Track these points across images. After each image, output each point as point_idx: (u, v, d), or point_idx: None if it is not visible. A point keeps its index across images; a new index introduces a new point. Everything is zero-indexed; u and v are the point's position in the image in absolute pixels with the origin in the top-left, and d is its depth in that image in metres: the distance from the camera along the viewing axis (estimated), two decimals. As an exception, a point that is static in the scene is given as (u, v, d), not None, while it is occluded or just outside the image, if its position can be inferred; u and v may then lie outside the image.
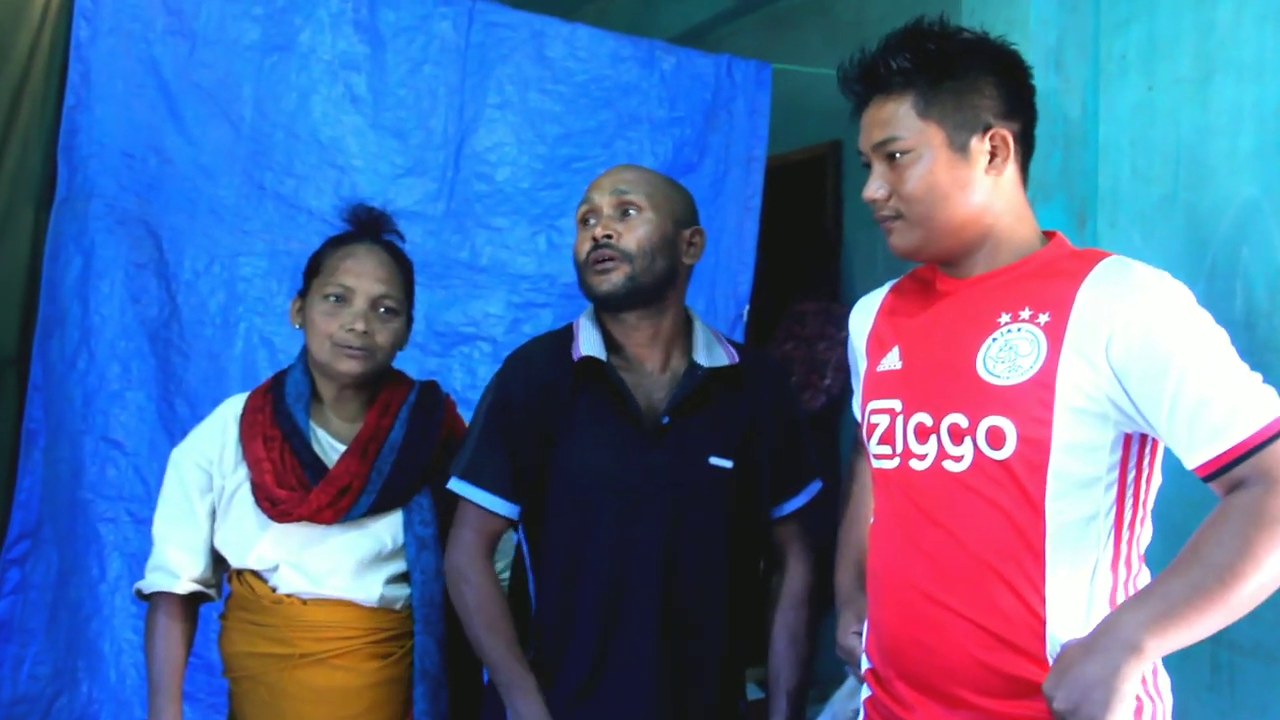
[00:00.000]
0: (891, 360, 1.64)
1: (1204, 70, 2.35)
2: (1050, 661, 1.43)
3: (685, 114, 3.21)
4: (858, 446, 1.92)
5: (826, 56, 3.71)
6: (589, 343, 1.85)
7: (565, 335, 1.91)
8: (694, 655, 1.83)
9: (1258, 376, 1.41)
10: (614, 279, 1.82)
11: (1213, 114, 2.34)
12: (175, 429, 2.70)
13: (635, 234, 1.83)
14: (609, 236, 1.82)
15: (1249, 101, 2.27)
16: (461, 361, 3.06)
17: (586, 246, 1.85)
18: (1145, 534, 1.53)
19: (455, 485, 1.85)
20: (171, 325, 2.77)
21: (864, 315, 1.76)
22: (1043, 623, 1.44)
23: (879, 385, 1.66)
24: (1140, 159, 2.50)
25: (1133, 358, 1.39)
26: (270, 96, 2.86)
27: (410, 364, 2.93)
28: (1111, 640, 1.33)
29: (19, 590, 2.60)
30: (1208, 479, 1.40)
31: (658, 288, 1.86)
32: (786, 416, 1.95)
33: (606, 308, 1.86)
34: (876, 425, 1.62)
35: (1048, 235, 1.60)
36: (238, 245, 2.83)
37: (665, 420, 1.83)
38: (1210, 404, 1.37)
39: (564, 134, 3.11)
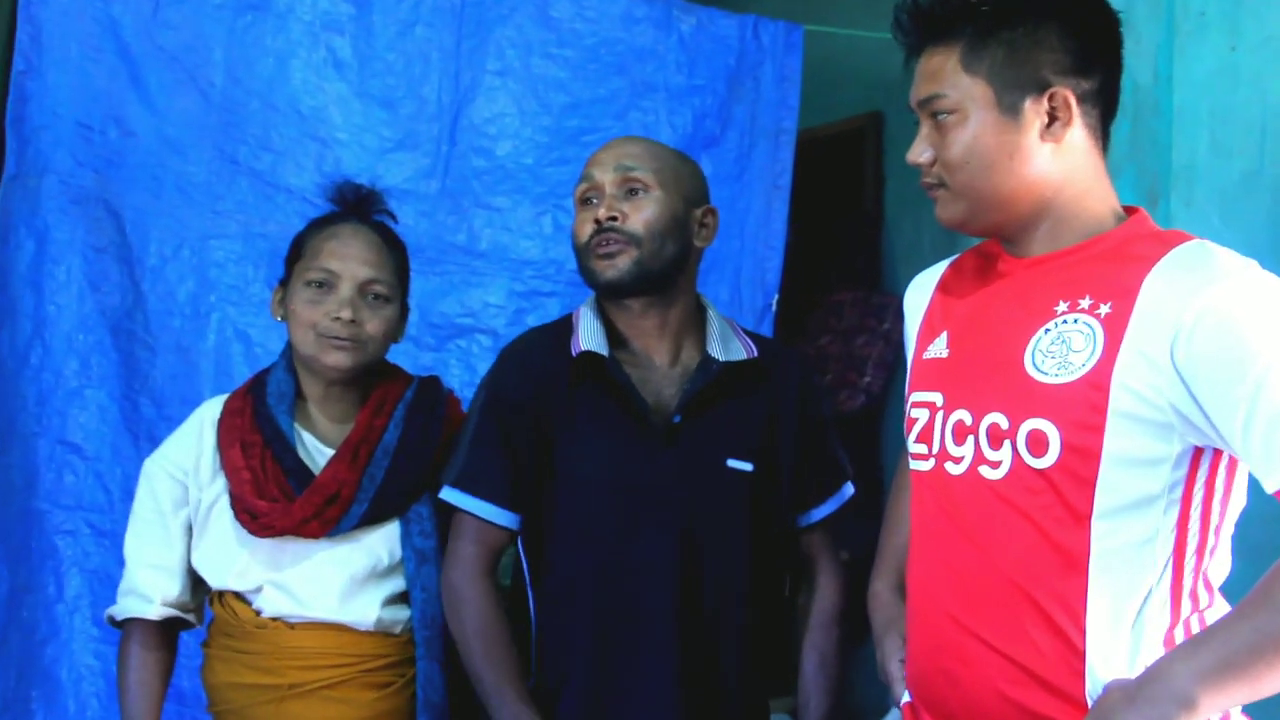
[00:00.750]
0: (939, 347, 1.61)
1: (1296, 28, 2.32)
2: (1089, 704, 1.38)
3: (706, 81, 3.19)
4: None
5: (863, 18, 3.72)
6: (589, 336, 1.85)
7: (564, 327, 1.92)
8: (712, 684, 1.81)
9: None
10: (619, 264, 1.82)
11: (1306, 78, 2.31)
12: (140, 431, 2.69)
13: (642, 215, 1.83)
14: (613, 218, 1.82)
15: (1347, 63, 2.24)
16: (459, 356, 3.05)
17: (589, 229, 1.85)
18: (1219, 564, 1.46)
19: (448, 495, 1.85)
20: (135, 316, 2.75)
21: (919, 293, 1.72)
22: (1082, 658, 1.39)
23: (923, 374, 1.62)
24: (1220, 130, 2.48)
25: (1203, 358, 1.32)
26: (243, 61, 2.83)
27: (403, 359, 2.90)
28: (1160, 689, 1.28)
29: (-34, 611, 2.57)
30: None
31: (667, 274, 1.86)
32: (811, 414, 1.94)
33: (611, 296, 1.86)
34: (916, 420, 1.59)
35: (1128, 211, 1.54)
36: (208, 227, 2.81)
37: (677, 419, 1.82)
38: None
39: (571, 104, 3.09)
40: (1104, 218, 1.51)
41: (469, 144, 3.04)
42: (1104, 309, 1.41)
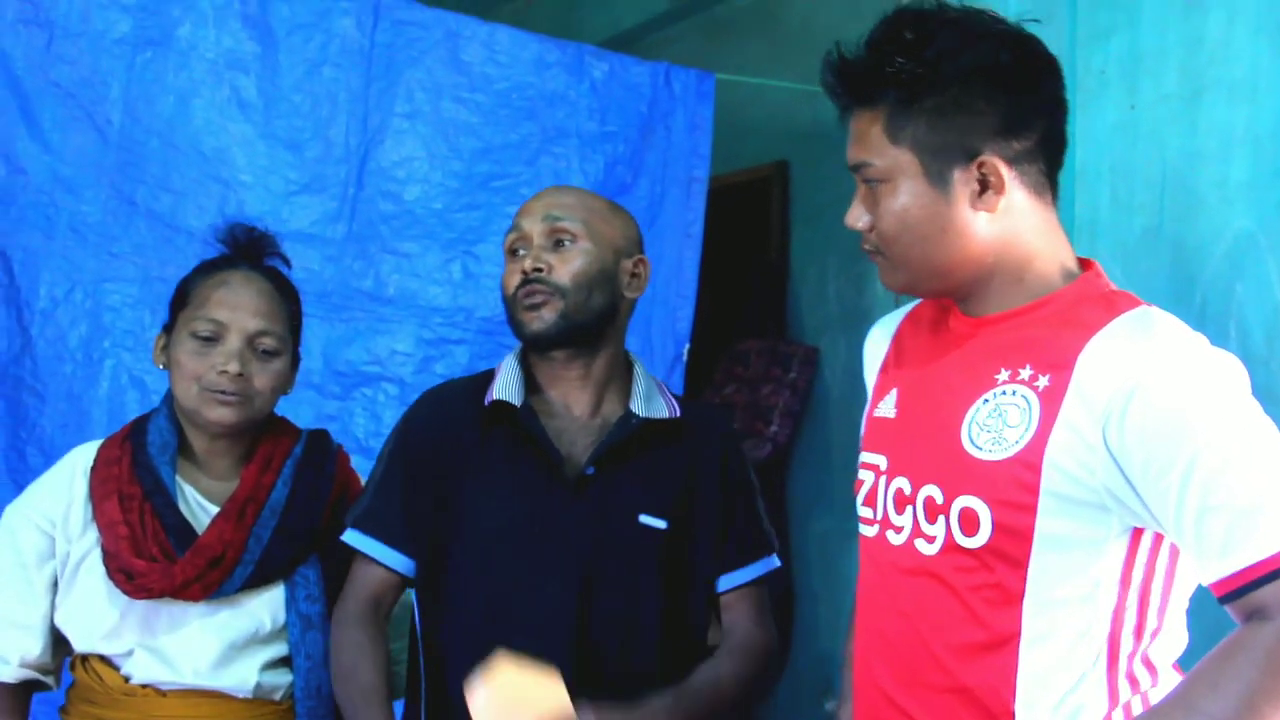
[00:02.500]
0: (887, 406, 1.54)
1: (1192, 88, 2.36)
2: None
3: (618, 128, 3.19)
4: None
5: (772, 68, 3.74)
6: (504, 385, 1.83)
7: (486, 378, 1.89)
8: None
9: None
10: (545, 316, 1.80)
11: (1201, 136, 2.34)
12: (26, 483, 2.53)
13: (569, 266, 1.81)
14: (539, 269, 1.80)
15: (1241, 123, 2.27)
16: (364, 405, 3.01)
17: (515, 280, 1.83)
18: (1166, 643, 1.39)
19: (348, 536, 1.83)
20: (23, 361, 2.69)
21: (878, 343, 1.64)
22: None
23: (872, 433, 1.56)
24: (1121, 186, 2.51)
25: (1136, 440, 1.26)
26: (143, 98, 2.79)
27: (306, 408, 2.89)
28: None
29: None
30: (1223, 601, 1.26)
31: (594, 325, 1.83)
32: (734, 477, 1.91)
33: (537, 347, 1.84)
34: (863, 482, 1.53)
35: (1083, 265, 1.45)
36: (103, 270, 2.76)
37: (589, 471, 1.79)
38: (1224, 507, 1.22)
39: (482, 148, 3.08)
40: (1053, 277, 1.42)
41: (377, 188, 3.01)
42: (1042, 381, 1.33)
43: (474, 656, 1.67)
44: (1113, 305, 1.36)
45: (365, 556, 1.82)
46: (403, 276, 3.01)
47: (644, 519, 1.80)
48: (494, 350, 3.01)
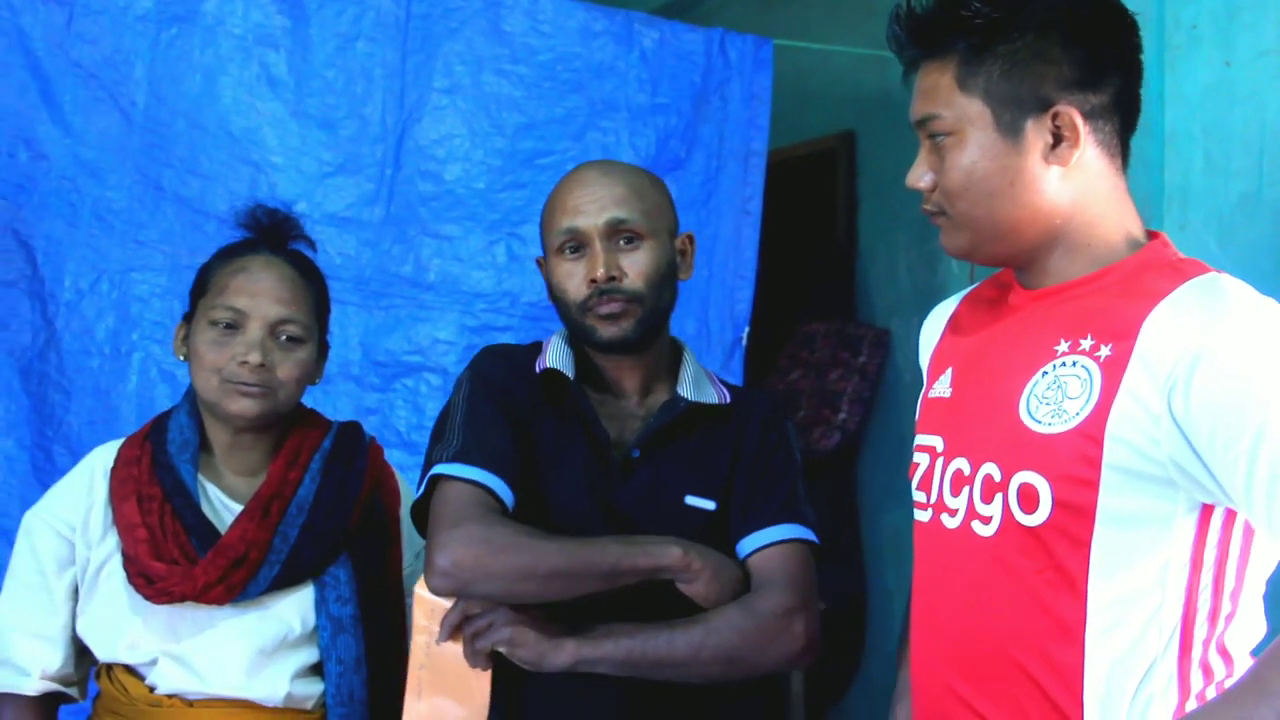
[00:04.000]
0: (943, 386, 1.57)
1: (1294, 41, 2.32)
2: None
3: (670, 100, 3.18)
4: None
5: (835, 31, 3.71)
6: (555, 357, 1.84)
7: (532, 349, 1.90)
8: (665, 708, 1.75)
9: None
10: (624, 326, 1.79)
11: (1305, 93, 2.30)
12: (52, 482, 2.58)
13: (642, 269, 1.80)
14: (612, 278, 1.79)
15: (1349, 77, 2.22)
16: (406, 397, 3.02)
17: (582, 288, 1.80)
18: (1242, 630, 1.40)
19: (441, 469, 1.74)
20: (48, 356, 2.72)
21: (934, 326, 1.69)
22: None
23: (927, 415, 1.59)
24: (1216, 149, 2.50)
25: (1202, 408, 1.27)
26: (168, 78, 2.81)
27: (345, 400, 2.93)
28: None
29: None
30: None
31: (664, 321, 1.86)
32: (771, 453, 1.88)
33: (612, 353, 1.83)
34: (918, 465, 1.56)
35: (1150, 235, 1.48)
36: (130, 258, 2.79)
37: (635, 454, 1.81)
38: None
39: (526, 124, 3.08)
40: (1118, 245, 1.45)
41: (415, 168, 3.03)
42: (1104, 351, 1.35)
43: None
44: (1180, 272, 1.38)
45: (466, 485, 1.71)
46: (444, 261, 3.02)
47: (690, 499, 1.80)
48: (541, 336, 2.98)
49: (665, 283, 1.83)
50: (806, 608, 1.74)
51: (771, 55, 3.23)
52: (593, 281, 1.78)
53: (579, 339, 1.85)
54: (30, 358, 2.69)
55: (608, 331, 1.79)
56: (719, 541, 1.79)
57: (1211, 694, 1.36)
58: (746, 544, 1.80)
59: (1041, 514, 1.35)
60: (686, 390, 1.84)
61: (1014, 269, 1.52)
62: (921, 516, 1.54)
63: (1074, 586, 1.35)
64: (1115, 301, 1.38)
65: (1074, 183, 1.42)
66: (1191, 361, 1.27)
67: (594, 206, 1.81)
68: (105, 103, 2.75)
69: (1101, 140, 1.42)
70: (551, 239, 1.84)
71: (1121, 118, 1.44)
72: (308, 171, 2.91)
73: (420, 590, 1.70)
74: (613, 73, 3.12)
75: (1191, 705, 1.35)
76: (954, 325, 1.63)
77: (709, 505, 1.80)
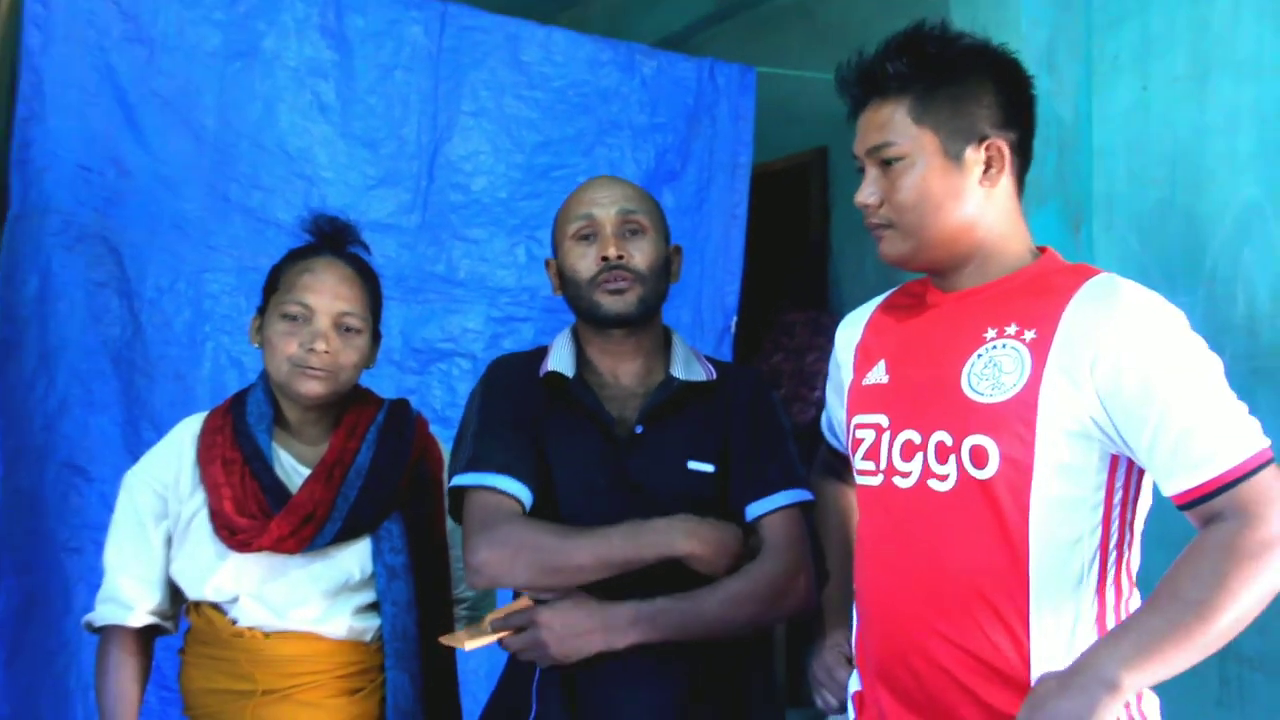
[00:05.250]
0: (878, 374, 1.63)
1: (1200, 69, 2.35)
2: (1032, 666, 1.44)
3: (667, 120, 3.20)
4: (822, 468, 1.92)
5: (810, 61, 3.74)
6: (558, 359, 1.85)
7: (538, 354, 1.91)
8: (700, 672, 1.76)
9: (1243, 407, 1.41)
10: (628, 299, 1.82)
11: (1210, 114, 2.33)
12: (140, 453, 2.55)
13: (645, 255, 1.84)
14: (621, 256, 1.82)
15: (1247, 100, 2.26)
16: (440, 379, 3.04)
17: (593, 265, 1.83)
18: (1135, 557, 1.52)
19: (460, 479, 1.76)
20: (135, 345, 2.72)
21: (851, 329, 1.75)
22: (1027, 649, 1.44)
23: (864, 399, 1.65)
24: (1136, 161, 2.50)
25: (1118, 383, 1.40)
26: (233, 105, 2.81)
27: (387, 382, 2.92)
28: (1088, 677, 1.32)
29: (-23, 624, 2.52)
30: (1183, 508, 1.41)
31: (658, 307, 1.88)
32: (761, 419, 1.88)
33: (609, 326, 1.85)
34: (862, 440, 1.62)
35: (1040, 250, 1.60)
36: (203, 261, 2.78)
37: (639, 429, 1.81)
38: (1192, 434, 1.37)
39: (542, 141, 3.10)
40: (1022, 254, 1.57)
41: (447, 180, 3.03)
42: (1029, 335, 1.46)
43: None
44: (1079, 273, 1.51)
45: (486, 492, 1.73)
46: (472, 261, 3.04)
47: (691, 464, 1.81)
48: (557, 326, 2.96)
49: (660, 274, 1.85)
50: (807, 566, 1.78)
51: (755, 81, 3.26)
52: (604, 259, 1.81)
53: (586, 317, 1.85)
54: (119, 348, 2.69)
55: (614, 305, 1.81)
56: (719, 499, 1.81)
57: (1123, 608, 1.47)
58: (753, 509, 1.81)
59: (991, 469, 1.44)
60: (679, 370, 1.85)
61: (934, 275, 1.61)
62: (871, 481, 1.59)
63: (1018, 527, 1.44)
64: (1031, 298, 1.50)
65: (993, 204, 1.54)
66: (1112, 343, 1.40)
67: (608, 199, 1.85)
68: (180, 127, 2.75)
69: (1013, 171, 1.55)
70: (568, 227, 1.86)
71: (1023, 159, 1.57)
72: (354, 184, 2.92)
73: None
74: (617, 97, 3.14)
75: (1110, 616, 1.46)
76: (874, 327, 1.69)
77: (709, 468, 1.81)
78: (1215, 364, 1.43)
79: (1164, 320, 1.43)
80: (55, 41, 2.64)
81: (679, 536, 1.70)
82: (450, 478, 1.80)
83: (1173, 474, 1.39)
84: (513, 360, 1.93)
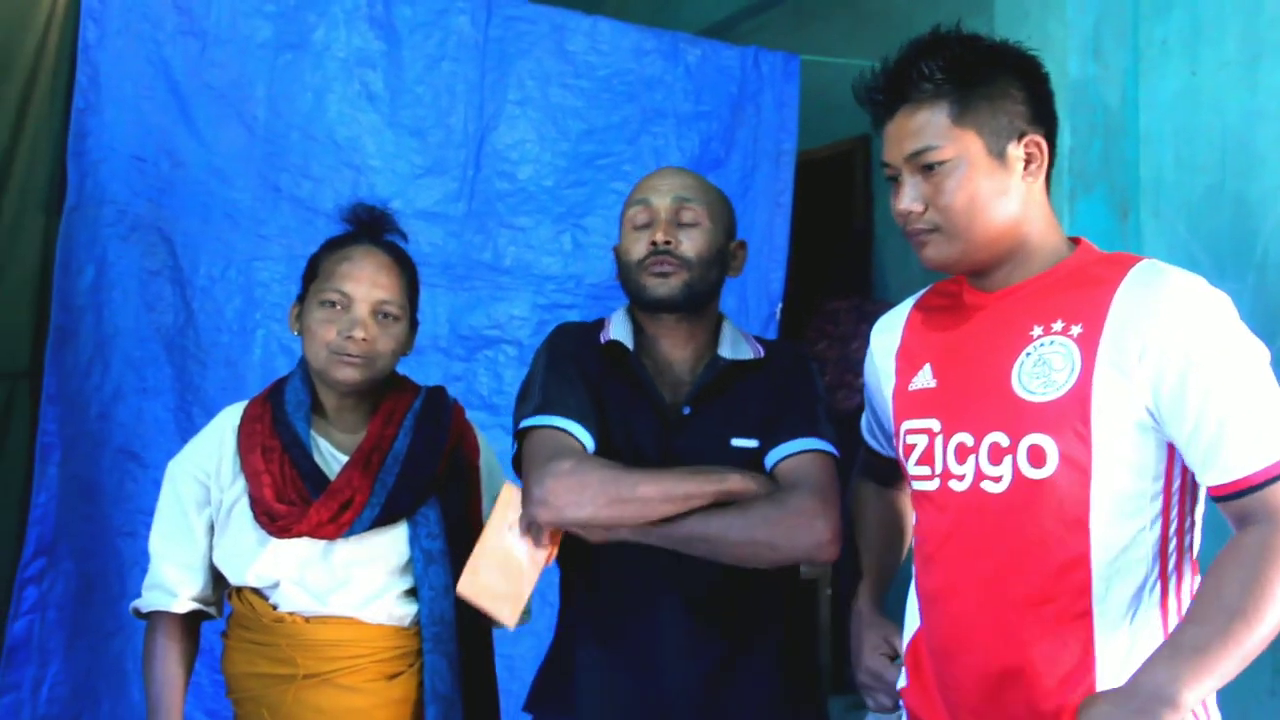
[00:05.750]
0: (924, 378, 1.60)
1: (1251, 53, 2.29)
2: (1097, 669, 1.42)
3: (711, 108, 3.18)
4: (862, 470, 1.88)
5: (854, 49, 3.69)
6: (619, 330, 1.85)
7: (597, 325, 1.91)
8: (738, 647, 1.77)
9: None
10: (672, 284, 1.81)
11: (1261, 98, 2.28)
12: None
13: (695, 244, 1.83)
14: (669, 242, 1.81)
15: (1300, 84, 2.19)
16: (486, 365, 3.04)
17: (643, 249, 1.83)
18: (1196, 540, 1.49)
19: (529, 421, 1.75)
20: (187, 333, 2.75)
21: (889, 333, 1.71)
22: (1093, 646, 1.42)
23: (913, 404, 1.61)
24: (1184, 147, 2.45)
25: (1162, 370, 1.38)
26: (284, 96, 2.83)
27: (434, 369, 2.93)
28: (1148, 699, 1.31)
29: (36, 609, 2.54)
30: (1218, 500, 1.39)
31: (707, 296, 1.86)
32: (794, 383, 1.86)
33: (655, 310, 1.84)
34: (915, 446, 1.58)
35: (1074, 241, 1.57)
36: (254, 250, 2.81)
37: (687, 411, 1.81)
38: (1228, 429, 1.35)
39: (587, 130, 3.09)
40: (1059, 247, 1.54)
41: (493, 169, 3.03)
42: (1075, 329, 1.44)
43: (608, 559, 1.75)
44: (1121, 263, 1.48)
45: (552, 430, 1.72)
46: (518, 248, 3.04)
47: (735, 441, 1.80)
48: (602, 313, 2.94)
49: (713, 264, 1.83)
50: (828, 507, 1.69)
51: (799, 69, 3.23)
52: (653, 244, 1.81)
53: (633, 299, 1.85)
54: (172, 334, 2.72)
55: (658, 289, 1.80)
56: (762, 472, 1.78)
57: (1185, 595, 1.45)
58: (773, 455, 1.77)
59: (1049, 468, 1.41)
60: (725, 350, 1.85)
61: (974, 276, 1.56)
62: (927, 486, 1.56)
63: (1079, 523, 1.41)
64: (1074, 291, 1.47)
65: (1032, 199, 1.52)
66: (1159, 332, 1.37)
67: (666, 187, 1.85)
68: (232, 118, 2.77)
69: (1046, 167, 1.52)
70: (627, 213, 1.87)
71: (1052, 151, 1.54)
72: (402, 173, 2.92)
73: (510, 486, 1.73)
74: (661, 85, 3.12)
75: (1173, 602, 1.44)
76: (912, 331, 1.66)
77: (753, 444, 1.80)
78: (1260, 354, 1.40)
79: (1209, 306, 1.40)
80: (111, 35, 2.66)
81: (735, 475, 1.69)
82: (516, 424, 1.79)
83: (1208, 467, 1.37)
84: (575, 327, 1.94)
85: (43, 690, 2.54)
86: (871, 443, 1.83)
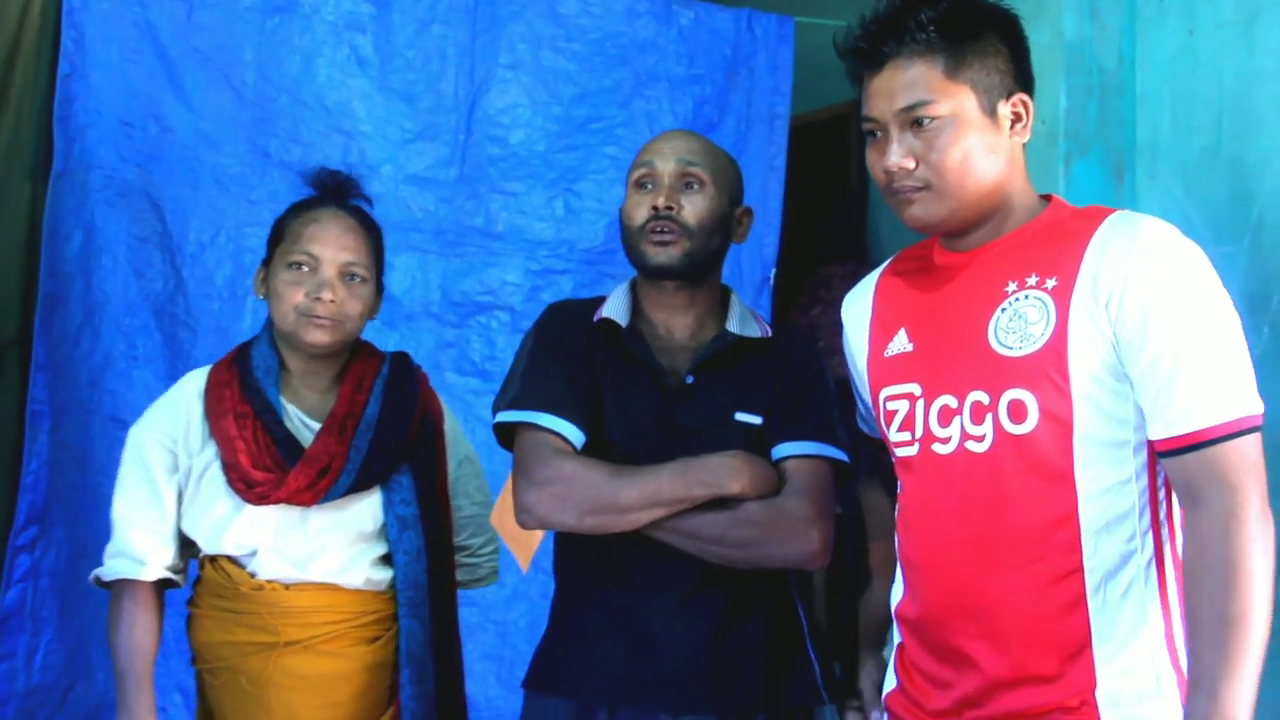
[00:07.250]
0: (900, 342, 1.56)
1: (1248, 12, 2.26)
2: (1090, 612, 1.39)
3: (705, 71, 3.14)
4: (869, 469, 1.85)
5: (849, 11, 3.63)
6: (612, 307, 1.82)
7: (595, 302, 1.88)
8: (734, 618, 1.74)
9: (1243, 363, 1.36)
10: (671, 252, 1.77)
11: (1259, 58, 2.25)
12: None
13: (697, 209, 1.79)
14: (670, 208, 1.77)
15: (1298, 43, 2.15)
16: (479, 332, 3.01)
17: (644, 214, 1.79)
18: None
19: (503, 416, 1.75)
20: (177, 299, 2.72)
21: (859, 303, 1.67)
22: (1085, 601, 1.40)
23: (890, 369, 1.57)
24: (1181, 108, 2.42)
25: (1127, 307, 1.36)
26: (273, 60, 2.80)
27: (426, 335, 2.93)
28: None
29: (28, 577, 2.54)
30: (1162, 455, 1.38)
31: (709, 264, 1.82)
32: (809, 377, 1.84)
33: (655, 277, 1.81)
34: (896, 412, 1.54)
35: (1045, 198, 1.55)
36: (243, 216, 2.77)
37: (689, 379, 1.79)
38: (1179, 381, 1.34)
39: (579, 94, 3.05)
40: (1033, 204, 1.52)
41: (484, 133, 3.00)
42: (1050, 283, 1.42)
43: (603, 548, 1.72)
44: (1094, 215, 1.46)
45: (534, 430, 1.71)
46: (510, 214, 3.00)
47: (739, 416, 1.77)
48: (595, 279, 3.00)
49: (715, 230, 1.80)
50: (823, 518, 1.70)
51: (793, 31, 3.18)
52: (654, 209, 1.77)
53: (635, 266, 1.83)
54: (162, 301, 2.70)
55: (658, 256, 1.77)
56: (764, 450, 1.77)
57: (1176, 546, 1.42)
58: (781, 449, 1.76)
59: (1030, 423, 1.39)
60: (734, 326, 1.82)
61: (949, 237, 1.53)
62: (908, 452, 1.52)
63: (1063, 476, 1.39)
64: (1047, 246, 1.45)
65: (1016, 158, 1.50)
66: (1126, 278, 1.36)
67: (670, 150, 1.82)
68: (220, 83, 2.74)
69: (1029, 127, 1.50)
70: (631, 175, 1.84)
71: (1030, 112, 1.51)
72: (392, 138, 2.89)
73: None
74: (654, 48, 3.07)
75: (1168, 550, 1.41)
76: (883, 296, 1.62)
77: (756, 420, 1.78)
78: (1230, 312, 1.38)
79: (1180, 251, 1.38)
80: (95, -1, 2.62)
81: (726, 475, 1.66)
82: (494, 414, 1.78)
83: (1154, 417, 1.36)
84: (569, 306, 1.92)
85: (36, 658, 2.54)
86: (865, 430, 1.78)
